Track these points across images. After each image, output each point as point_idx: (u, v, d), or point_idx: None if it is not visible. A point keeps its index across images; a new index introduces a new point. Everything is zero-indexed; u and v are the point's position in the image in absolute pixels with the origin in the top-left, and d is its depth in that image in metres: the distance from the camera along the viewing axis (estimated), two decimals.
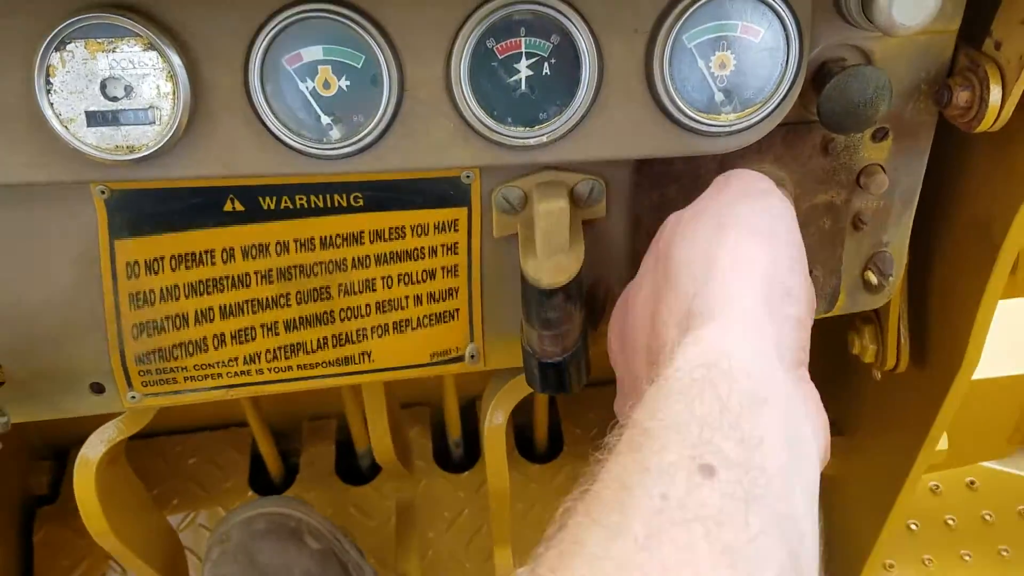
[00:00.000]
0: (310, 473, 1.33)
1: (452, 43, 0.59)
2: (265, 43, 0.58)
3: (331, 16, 0.58)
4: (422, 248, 0.70)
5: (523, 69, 0.60)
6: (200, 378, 0.72)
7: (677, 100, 0.61)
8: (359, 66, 0.60)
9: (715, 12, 0.60)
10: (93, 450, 0.84)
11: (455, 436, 1.36)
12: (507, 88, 0.61)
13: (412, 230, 0.70)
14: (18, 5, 0.56)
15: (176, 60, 0.57)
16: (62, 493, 1.28)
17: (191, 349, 0.70)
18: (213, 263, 0.69)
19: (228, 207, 0.69)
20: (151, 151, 0.59)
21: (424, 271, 0.71)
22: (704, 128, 0.62)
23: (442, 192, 0.69)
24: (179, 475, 1.33)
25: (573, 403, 1.40)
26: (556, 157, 0.63)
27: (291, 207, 0.69)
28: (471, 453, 1.38)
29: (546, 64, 0.61)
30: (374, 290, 0.71)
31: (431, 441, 1.37)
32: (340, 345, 0.72)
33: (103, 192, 0.67)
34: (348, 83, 0.60)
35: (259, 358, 0.71)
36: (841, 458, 1.07)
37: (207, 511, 1.29)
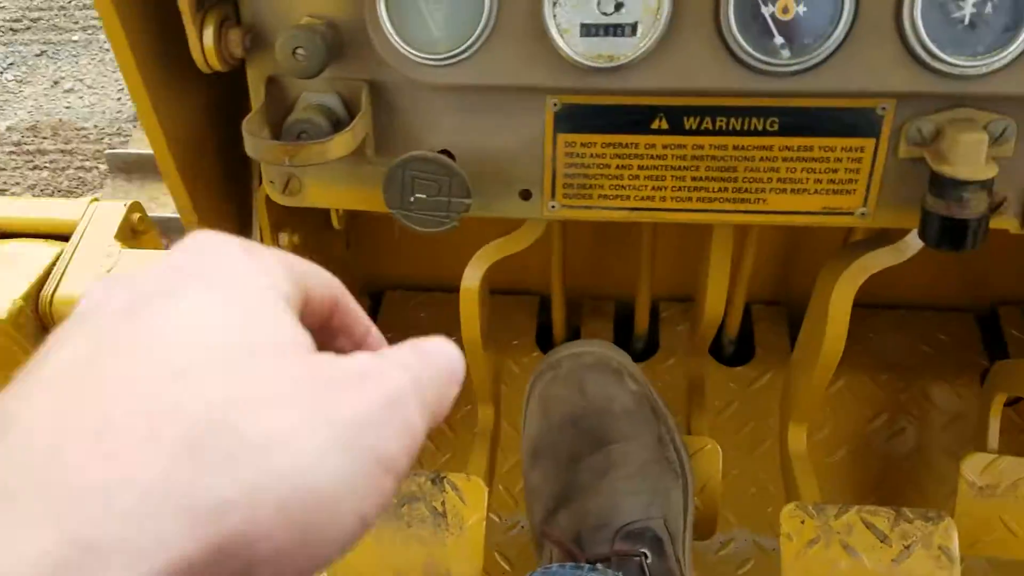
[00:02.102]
0: None
1: None
2: None
3: None
4: (827, 157, 0.78)
5: (968, 6, 0.67)
6: (611, 197, 0.82)
7: None
8: None
9: None
10: (479, 265, 0.98)
11: (732, 334, 1.41)
12: (951, 23, 0.67)
13: (820, 148, 0.77)
14: None
15: None
16: (377, 326, 1.44)
17: (610, 176, 0.81)
18: (637, 148, 0.80)
19: (655, 124, 0.79)
20: (628, 60, 0.70)
21: (827, 168, 0.78)
22: None
23: (854, 122, 0.76)
24: None
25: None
26: (989, 89, 0.69)
27: (710, 128, 0.78)
28: (743, 353, 1.44)
29: (989, 4, 0.67)
30: (777, 171, 0.79)
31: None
32: (739, 192, 0.80)
33: (555, 105, 0.78)
34: (805, 9, 0.68)
35: (665, 188, 0.81)
36: None
37: (497, 361, 1.40)
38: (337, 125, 0.79)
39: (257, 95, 0.80)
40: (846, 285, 0.93)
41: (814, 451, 1.35)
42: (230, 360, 0.28)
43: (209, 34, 0.74)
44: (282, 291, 0.33)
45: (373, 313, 1.49)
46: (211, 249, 0.33)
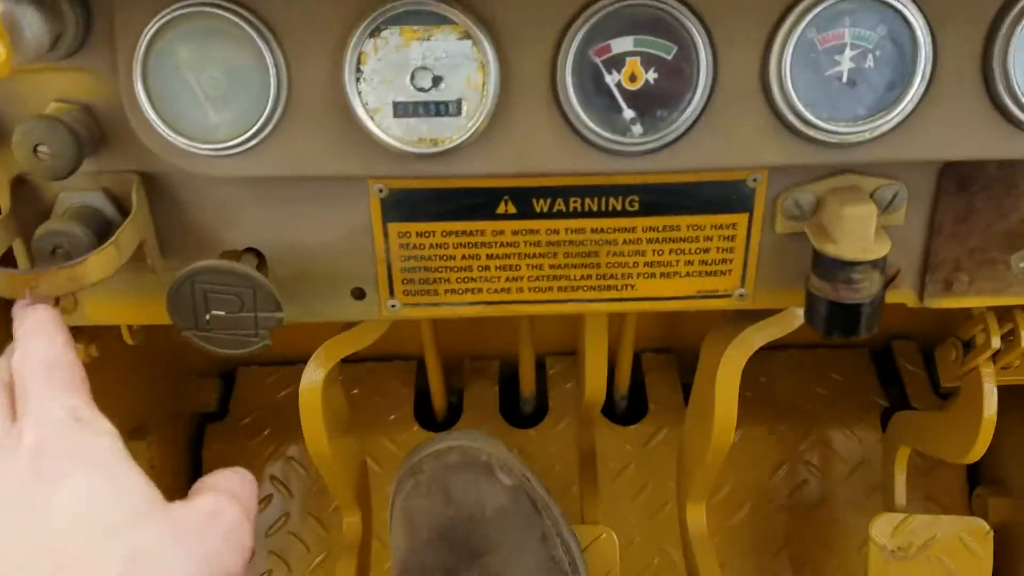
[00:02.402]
0: (473, 413, 1.31)
1: (773, 32, 0.56)
2: (580, 34, 0.56)
3: (651, 3, 0.55)
4: (697, 236, 0.67)
5: (845, 61, 0.57)
6: (460, 292, 0.70)
7: (1020, 96, 0.56)
8: (670, 57, 0.57)
9: None
10: (320, 363, 0.84)
11: (623, 390, 1.31)
12: (826, 82, 0.57)
13: (688, 228, 0.67)
14: None
15: (490, 50, 0.56)
16: (230, 412, 1.30)
17: (456, 268, 0.69)
18: (483, 235, 0.68)
19: (502, 209, 0.67)
20: (454, 144, 0.58)
21: (698, 248, 0.68)
22: None
23: (723, 196, 0.65)
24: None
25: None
26: (876, 156, 0.59)
27: (564, 210, 0.67)
28: (636, 408, 1.33)
29: (870, 56, 0.57)
30: (643, 254, 0.68)
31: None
32: (604, 279, 0.70)
33: (381, 191, 0.65)
34: (656, 76, 0.57)
35: (521, 279, 0.70)
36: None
37: (372, 441, 1.28)
38: (106, 230, 0.64)
39: (3, 200, 0.64)
40: (730, 363, 0.82)
41: (715, 513, 1.26)
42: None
43: None
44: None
45: (227, 394, 1.33)
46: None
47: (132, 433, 1.04)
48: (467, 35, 0.55)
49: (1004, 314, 0.85)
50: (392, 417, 1.31)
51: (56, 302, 0.69)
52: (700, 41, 0.56)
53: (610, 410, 1.34)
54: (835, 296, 0.61)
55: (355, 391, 1.33)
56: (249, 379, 1.35)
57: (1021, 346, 0.83)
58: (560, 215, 0.66)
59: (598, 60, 0.57)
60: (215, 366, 1.35)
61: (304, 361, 0.85)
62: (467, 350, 1.36)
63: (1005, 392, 1.04)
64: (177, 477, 1.21)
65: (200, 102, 0.58)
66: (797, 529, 1.25)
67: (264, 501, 1.26)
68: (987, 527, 1.03)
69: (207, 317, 0.64)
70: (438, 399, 1.32)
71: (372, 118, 0.57)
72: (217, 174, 0.61)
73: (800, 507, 1.26)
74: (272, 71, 0.57)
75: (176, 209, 0.66)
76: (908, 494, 1.17)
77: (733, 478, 1.26)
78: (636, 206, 0.66)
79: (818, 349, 1.35)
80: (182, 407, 1.26)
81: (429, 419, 1.34)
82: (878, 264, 0.61)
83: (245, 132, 0.58)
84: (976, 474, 1.23)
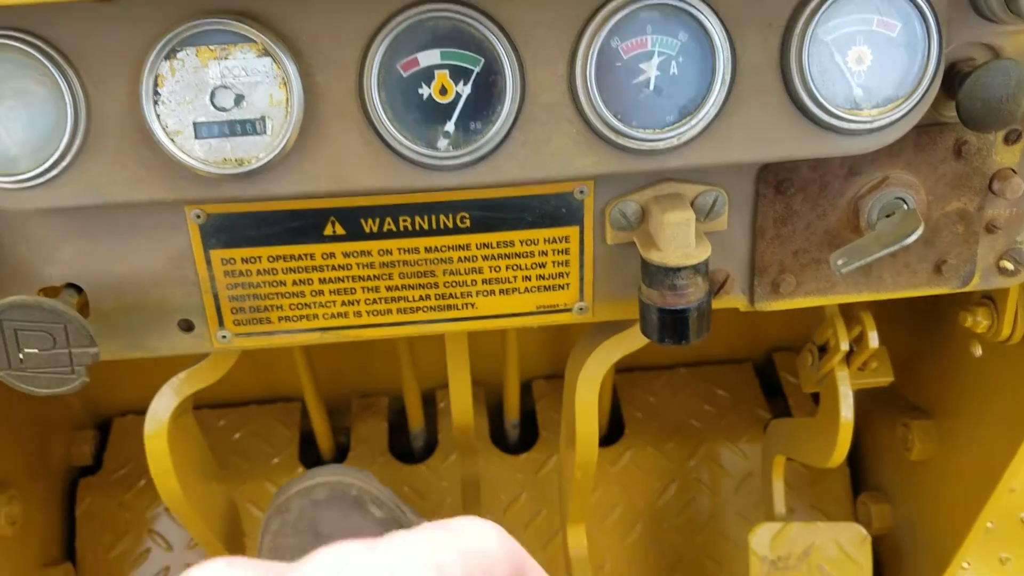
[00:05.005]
0: (362, 451, 1.28)
1: (577, 43, 0.56)
2: (383, 47, 0.55)
3: (452, 16, 0.55)
4: (531, 251, 0.67)
5: (651, 69, 0.57)
6: (295, 319, 0.68)
7: (817, 95, 0.57)
8: (478, 69, 0.57)
9: (850, 5, 0.57)
10: (164, 403, 0.81)
11: (513, 417, 1.31)
12: (633, 90, 0.58)
13: (521, 243, 0.66)
14: (127, 11, 0.54)
15: (291, 66, 0.55)
16: (104, 464, 1.25)
17: (287, 295, 0.68)
18: (313, 259, 0.67)
19: (328, 231, 0.65)
20: (262, 163, 0.56)
21: (534, 263, 0.68)
22: (844, 126, 0.58)
23: (552, 210, 0.66)
24: (224, 449, 1.27)
25: (629, 387, 1.34)
26: (686, 162, 0.59)
27: (395, 229, 0.66)
28: (527, 436, 1.33)
29: (674, 63, 0.57)
30: (480, 271, 0.68)
31: (487, 421, 1.32)
32: (443, 298, 0.69)
33: (198, 216, 0.64)
34: (466, 88, 0.57)
35: (358, 303, 0.68)
36: (933, 444, 1.02)
37: (254, 486, 1.24)
38: None
39: None
40: (589, 377, 0.82)
41: (608, 535, 1.25)
42: None
43: None
44: None
45: (101, 445, 1.28)
46: None
47: None
48: (266, 52, 0.54)
49: (852, 317, 0.87)
50: (275, 461, 1.28)
51: None
52: (504, 53, 0.56)
53: (502, 440, 1.33)
54: (663, 303, 0.62)
55: (236, 436, 1.29)
56: (126, 428, 1.30)
57: (869, 346, 0.85)
58: (391, 235, 0.66)
59: (406, 74, 0.56)
60: (90, 418, 1.29)
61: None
62: (354, 387, 1.34)
63: (878, 397, 1.07)
64: (48, 532, 1.15)
65: None
66: (689, 545, 1.25)
67: (142, 556, 1.20)
68: (865, 532, 1.05)
69: (20, 356, 0.61)
70: (323, 439, 1.29)
71: (173, 141, 0.56)
72: (21, 208, 0.58)
73: (691, 523, 1.26)
74: (68, 98, 0.55)
75: None
76: (794, 504, 1.19)
77: (625, 499, 1.26)
78: (468, 223, 0.65)
79: (703, 367, 1.36)
80: (54, 462, 1.20)
81: (316, 460, 1.30)
82: (699, 268, 0.61)
83: (45, 161, 0.56)
84: (859, 481, 1.25)
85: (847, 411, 0.89)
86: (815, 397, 1.29)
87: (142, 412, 1.29)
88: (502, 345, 1.19)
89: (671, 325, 0.62)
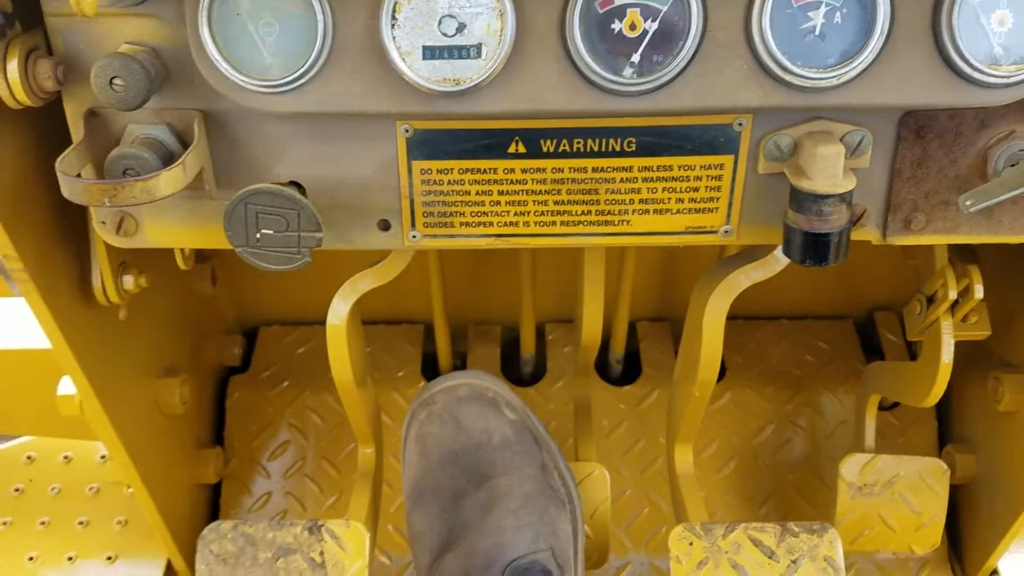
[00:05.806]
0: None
1: None
2: None
3: None
4: (687, 176, 0.76)
5: (818, 17, 0.66)
6: (474, 224, 0.79)
7: (963, 50, 0.65)
8: (665, 8, 0.66)
9: None
10: (346, 297, 0.92)
11: (619, 352, 1.40)
12: (800, 34, 0.66)
13: (679, 168, 0.75)
14: None
15: (508, 1, 0.64)
16: (252, 365, 1.40)
17: (470, 203, 0.78)
18: (495, 173, 0.76)
19: (512, 149, 0.75)
20: (474, 83, 0.67)
21: (688, 187, 0.76)
22: (983, 79, 0.66)
23: (712, 139, 0.74)
24: None
25: (734, 335, 1.42)
26: (842, 101, 0.67)
27: (568, 150, 0.75)
28: (628, 373, 1.43)
29: (838, 13, 0.65)
30: (638, 192, 0.77)
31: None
32: (602, 215, 0.78)
33: (407, 131, 0.74)
34: (653, 25, 0.66)
35: (528, 214, 0.78)
36: (1022, 396, 1.08)
37: (383, 394, 1.37)
38: (169, 159, 0.72)
39: (76, 130, 0.73)
40: (717, 302, 0.91)
41: (703, 468, 1.34)
42: None
43: (14, 67, 0.67)
44: None
45: (248, 351, 1.42)
46: None
47: (166, 371, 1.13)
48: None
49: (962, 270, 0.94)
50: (401, 374, 1.41)
51: (118, 228, 0.78)
52: None
53: (606, 373, 1.43)
54: (808, 227, 0.70)
55: (368, 350, 1.42)
56: (270, 337, 1.44)
57: (975, 297, 0.92)
58: (564, 155, 0.75)
59: (602, 11, 0.66)
60: (238, 324, 1.44)
61: (320, 323, 0.94)
62: (472, 316, 1.45)
63: (971, 354, 1.13)
64: (203, 419, 1.30)
65: (257, 45, 0.67)
66: (780, 482, 1.33)
67: (282, 446, 1.34)
68: (945, 467, 1.12)
69: (257, 236, 0.72)
70: (444, 357, 1.41)
71: (404, 60, 0.66)
72: (269, 110, 0.70)
73: (784, 463, 1.35)
74: (320, 18, 0.66)
75: (232, 144, 0.75)
76: (882, 449, 1.26)
77: (722, 435, 1.35)
78: (633, 147, 0.74)
79: (806, 320, 1.44)
80: (208, 360, 1.34)
81: (436, 376, 1.42)
82: (845, 198, 0.69)
83: (294, 72, 0.67)
84: (945, 434, 1.31)
85: (947, 355, 0.96)
86: (911, 355, 1.36)
87: (284, 323, 1.43)
88: (617, 283, 1.28)
89: (814, 247, 0.71)
